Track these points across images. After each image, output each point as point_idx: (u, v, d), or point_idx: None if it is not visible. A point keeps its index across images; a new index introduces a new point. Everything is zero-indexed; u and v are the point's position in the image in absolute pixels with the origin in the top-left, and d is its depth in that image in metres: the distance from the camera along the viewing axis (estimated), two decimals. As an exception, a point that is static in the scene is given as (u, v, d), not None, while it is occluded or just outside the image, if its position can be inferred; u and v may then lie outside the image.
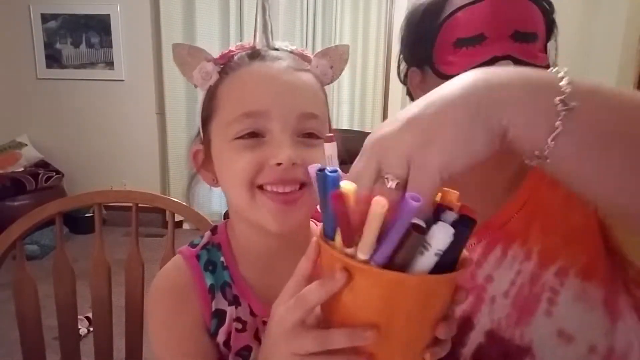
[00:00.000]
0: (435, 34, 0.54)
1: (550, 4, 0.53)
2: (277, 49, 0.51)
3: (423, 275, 0.29)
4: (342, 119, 3.23)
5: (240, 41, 0.54)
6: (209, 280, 0.50)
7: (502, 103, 0.30)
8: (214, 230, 0.56)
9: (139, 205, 0.83)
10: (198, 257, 0.52)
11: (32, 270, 0.80)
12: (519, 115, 0.30)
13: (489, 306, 0.54)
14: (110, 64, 3.24)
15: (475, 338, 0.55)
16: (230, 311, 0.49)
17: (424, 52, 0.55)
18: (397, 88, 3.15)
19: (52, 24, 3.21)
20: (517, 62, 0.50)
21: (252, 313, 0.50)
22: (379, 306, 0.30)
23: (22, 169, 3.07)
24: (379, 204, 0.28)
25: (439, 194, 0.33)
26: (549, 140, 0.29)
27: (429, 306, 0.31)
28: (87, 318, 1.76)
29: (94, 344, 0.83)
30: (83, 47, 3.23)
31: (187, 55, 0.49)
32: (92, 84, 3.28)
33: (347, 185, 0.30)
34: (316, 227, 0.56)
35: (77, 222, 2.97)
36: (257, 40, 0.51)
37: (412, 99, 0.65)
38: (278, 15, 3.01)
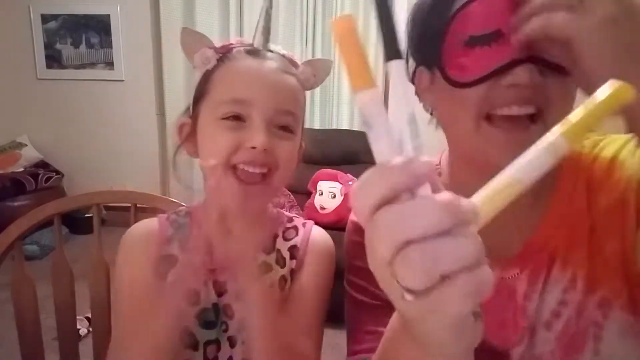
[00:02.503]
0: (445, 30, 0.44)
1: None
2: (271, 51, 0.57)
3: None
4: (342, 119, 3.21)
5: (240, 41, 0.58)
6: (169, 232, 0.58)
7: None
8: (191, 205, 0.65)
9: (138, 205, 0.83)
10: (168, 217, 0.61)
11: (31, 270, 0.80)
12: None
13: (529, 339, 0.48)
14: (110, 64, 3.24)
15: None
16: (183, 257, 0.57)
17: (432, 51, 0.46)
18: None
19: (52, 24, 3.21)
20: (542, 64, 0.41)
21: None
22: None
23: (22, 169, 3.06)
24: None
25: None
26: None
27: None
28: (87, 318, 1.76)
29: (93, 345, 0.83)
30: (83, 47, 3.23)
31: (192, 40, 0.56)
32: (92, 84, 3.27)
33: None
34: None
35: (77, 222, 2.97)
36: (256, 41, 0.57)
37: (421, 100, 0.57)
38: (278, 15, 3.01)
